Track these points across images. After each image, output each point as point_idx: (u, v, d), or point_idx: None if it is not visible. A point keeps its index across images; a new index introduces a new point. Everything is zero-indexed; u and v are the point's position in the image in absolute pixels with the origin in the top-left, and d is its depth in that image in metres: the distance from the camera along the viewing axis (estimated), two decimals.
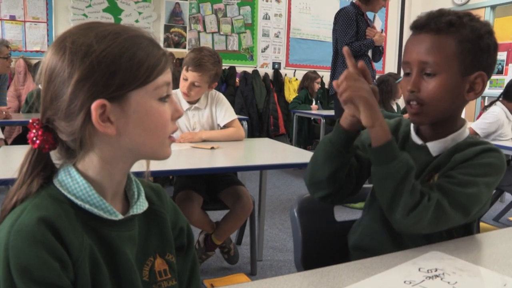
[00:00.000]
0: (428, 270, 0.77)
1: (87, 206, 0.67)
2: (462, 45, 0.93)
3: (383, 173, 0.91)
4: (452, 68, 0.94)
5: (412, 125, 1.07)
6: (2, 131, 3.67)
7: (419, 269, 0.78)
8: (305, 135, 5.45)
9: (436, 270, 0.77)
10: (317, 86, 5.47)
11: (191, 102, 2.28)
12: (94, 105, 0.64)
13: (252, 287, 0.71)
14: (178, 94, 2.25)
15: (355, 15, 3.32)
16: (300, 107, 5.22)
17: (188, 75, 2.13)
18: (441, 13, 0.96)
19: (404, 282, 0.73)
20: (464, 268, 0.79)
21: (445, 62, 0.94)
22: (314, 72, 5.65)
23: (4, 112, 2.99)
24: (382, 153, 0.91)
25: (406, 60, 0.99)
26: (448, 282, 0.73)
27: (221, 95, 2.38)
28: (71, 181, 0.68)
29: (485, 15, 5.73)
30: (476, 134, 2.97)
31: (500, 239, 0.99)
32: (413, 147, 1.05)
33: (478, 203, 0.93)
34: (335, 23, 3.44)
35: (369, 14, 3.58)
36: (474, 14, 0.98)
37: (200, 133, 2.27)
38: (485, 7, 5.70)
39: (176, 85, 2.20)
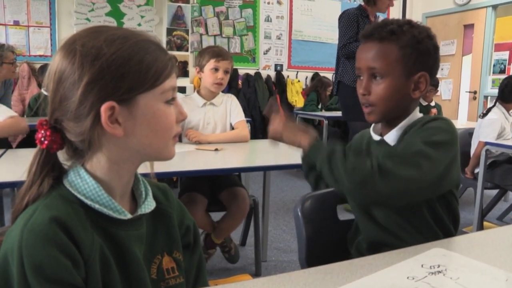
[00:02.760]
0: (430, 266, 0.78)
1: (96, 206, 0.69)
2: (403, 50, 1.04)
3: (319, 164, 1.03)
4: (397, 71, 1.05)
5: (371, 128, 1.18)
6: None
7: (422, 265, 0.79)
8: None
9: (438, 266, 0.79)
10: (326, 94, 5.45)
11: (207, 98, 2.41)
12: (103, 107, 0.66)
13: (257, 284, 0.72)
14: (194, 97, 2.43)
15: (356, 17, 3.35)
16: (317, 110, 5.24)
17: (220, 65, 2.33)
18: (384, 23, 1.08)
19: (407, 278, 0.74)
20: (467, 264, 0.81)
21: (389, 66, 1.05)
22: (326, 78, 5.61)
23: None
24: (311, 154, 1.06)
25: (357, 66, 1.11)
26: (451, 278, 0.74)
27: (235, 98, 2.54)
28: (81, 182, 0.70)
29: (487, 15, 5.72)
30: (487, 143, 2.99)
31: (502, 236, 1.01)
32: (374, 144, 1.15)
33: (427, 159, 0.96)
34: (338, 25, 3.48)
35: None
36: (414, 21, 1.10)
37: (207, 136, 2.30)
38: (486, 6, 5.70)
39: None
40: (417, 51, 1.05)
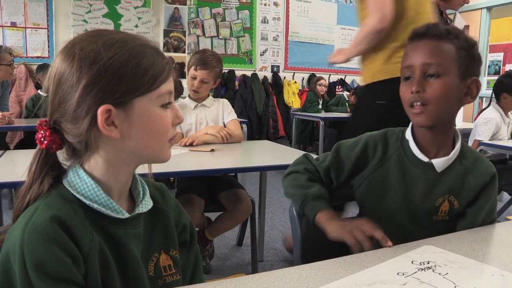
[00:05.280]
0: (420, 263, 0.81)
1: (95, 206, 0.71)
2: (459, 51, 1.02)
3: None
4: (453, 71, 1.02)
5: (411, 139, 1.10)
6: (5, 136, 3.70)
7: (412, 262, 0.81)
8: (305, 137, 5.49)
9: (428, 262, 0.81)
10: (320, 89, 5.40)
11: (198, 101, 2.44)
12: (100, 110, 0.68)
13: (252, 280, 0.74)
14: (186, 101, 2.45)
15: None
16: (320, 110, 5.23)
17: (197, 74, 2.35)
18: (437, 24, 1.06)
19: (397, 274, 0.76)
20: (455, 260, 0.83)
21: (447, 64, 1.01)
22: (315, 75, 5.67)
23: (6, 118, 3.02)
24: None
25: (408, 64, 1.05)
26: (439, 274, 0.77)
27: (226, 100, 2.56)
28: (80, 182, 0.72)
29: (482, 16, 5.77)
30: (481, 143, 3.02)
31: (490, 233, 1.04)
32: (415, 163, 1.09)
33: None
34: None
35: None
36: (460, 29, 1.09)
37: (201, 137, 2.33)
38: (481, 8, 5.75)
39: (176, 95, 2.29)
40: (470, 55, 1.03)
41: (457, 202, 1.08)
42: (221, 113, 2.48)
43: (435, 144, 1.08)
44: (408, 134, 1.12)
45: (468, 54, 1.02)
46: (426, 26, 1.05)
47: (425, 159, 1.08)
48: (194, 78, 2.36)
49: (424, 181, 1.08)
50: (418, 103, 1.02)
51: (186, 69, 5.51)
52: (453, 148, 1.08)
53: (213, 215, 2.29)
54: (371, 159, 1.13)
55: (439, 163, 1.07)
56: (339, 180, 1.16)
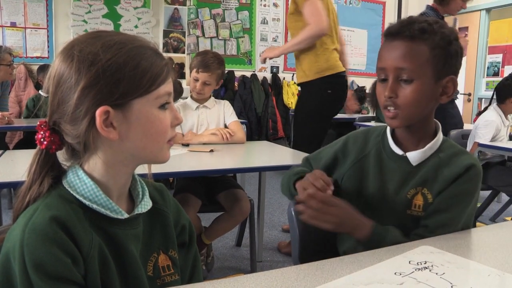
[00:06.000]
0: (417, 263, 0.81)
1: (94, 206, 0.71)
2: (434, 51, 0.98)
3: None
4: (427, 74, 0.99)
5: (389, 134, 1.11)
6: (4, 136, 3.71)
7: (409, 262, 0.82)
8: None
9: (425, 262, 0.82)
10: None
11: (200, 102, 2.46)
12: (98, 111, 0.68)
13: (250, 280, 0.75)
14: (188, 102, 2.48)
15: None
16: None
17: (199, 76, 2.38)
18: (412, 21, 1.00)
19: (395, 273, 0.77)
20: (452, 260, 0.83)
21: (420, 68, 0.98)
22: None
23: (6, 118, 3.02)
24: (371, 243, 0.99)
25: (382, 66, 1.02)
26: (436, 273, 0.77)
27: (228, 102, 2.59)
28: (79, 182, 0.72)
29: (481, 18, 5.78)
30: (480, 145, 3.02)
31: (487, 234, 1.04)
32: (391, 156, 1.10)
33: (473, 213, 1.05)
34: None
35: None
36: (441, 21, 1.03)
37: (200, 137, 2.34)
38: (480, 10, 5.76)
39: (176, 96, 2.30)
40: (447, 53, 0.99)
41: (431, 195, 1.04)
42: (222, 114, 2.50)
43: (413, 140, 1.08)
44: (388, 129, 1.13)
45: (444, 52, 0.98)
46: (400, 25, 1.01)
47: (399, 152, 1.08)
48: (196, 80, 2.38)
49: (399, 174, 1.08)
50: (392, 108, 1.02)
51: (185, 70, 5.52)
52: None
53: (212, 216, 2.29)
54: (350, 153, 1.15)
55: (413, 156, 1.06)
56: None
